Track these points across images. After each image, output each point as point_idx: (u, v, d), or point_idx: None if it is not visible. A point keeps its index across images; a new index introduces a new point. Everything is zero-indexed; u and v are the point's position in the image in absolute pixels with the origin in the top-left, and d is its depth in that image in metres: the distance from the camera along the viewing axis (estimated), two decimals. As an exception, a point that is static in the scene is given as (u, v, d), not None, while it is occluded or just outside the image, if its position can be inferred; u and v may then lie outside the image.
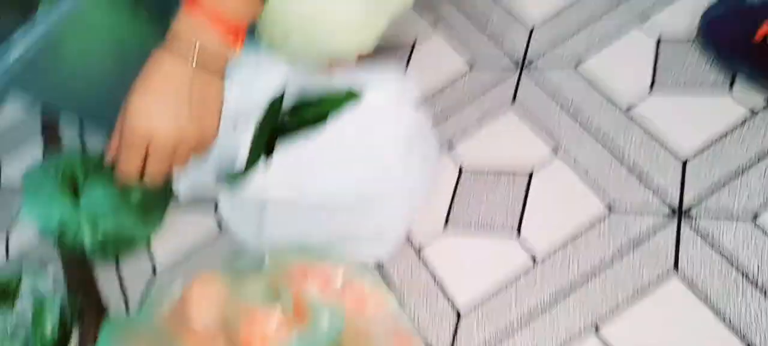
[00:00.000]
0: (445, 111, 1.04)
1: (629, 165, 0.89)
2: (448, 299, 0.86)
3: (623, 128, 0.92)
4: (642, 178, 0.88)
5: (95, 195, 0.99)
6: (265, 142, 0.91)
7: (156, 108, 0.72)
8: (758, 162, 0.83)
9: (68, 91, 0.98)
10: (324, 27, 0.91)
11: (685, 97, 0.92)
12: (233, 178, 0.85)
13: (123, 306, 1.01)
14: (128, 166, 0.74)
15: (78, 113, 1.04)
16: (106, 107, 0.84)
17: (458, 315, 0.84)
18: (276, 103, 0.91)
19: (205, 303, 0.77)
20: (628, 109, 0.94)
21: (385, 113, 0.83)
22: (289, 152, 0.81)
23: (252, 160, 0.90)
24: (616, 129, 0.93)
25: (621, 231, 0.84)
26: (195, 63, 0.73)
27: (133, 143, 0.73)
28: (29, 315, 0.91)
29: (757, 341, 0.71)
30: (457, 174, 0.97)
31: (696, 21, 0.96)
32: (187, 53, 0.72)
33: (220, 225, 1.05)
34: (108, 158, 0.77)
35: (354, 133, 0.82)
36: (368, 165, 0.82)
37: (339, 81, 0.88)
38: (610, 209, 0.86)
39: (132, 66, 0.77)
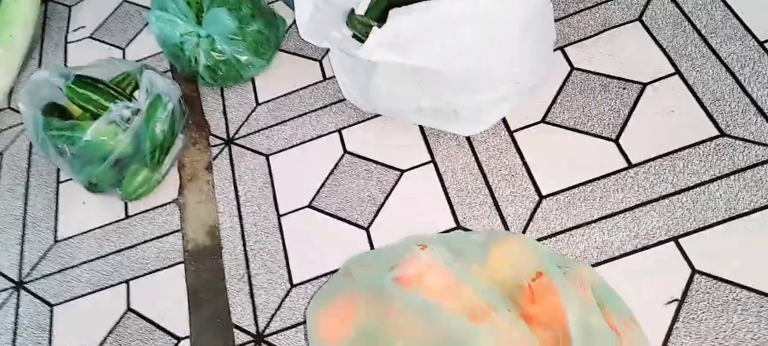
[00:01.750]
0: (569, 11, 1.02)
1: (752, 95, 0.86)
2: (532, 182, 0.87)
3: (754, 60, 0.88)
4: (763, 110, 0.84)
5: (217, 20, 1.05)
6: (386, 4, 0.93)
7: None
8: None
9: None
10: None
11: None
12: (359, 22, 0.87)
13: (224, 127, 1.10)
14: None
15: None
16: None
17: (539, 198, 0.86)
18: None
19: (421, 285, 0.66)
20: (765, 42, 0.90)
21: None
22: (406, 17, 0.82)
23: (370, 14, 0.92)
24: (746, 60, 0.89)
25: (727, 156, 0.82)
26: None
27: None
28: (145, 108, 0.99)
29: None
30: (567, 71, 0.96)
31: None
32: None
33: (324, 74, 1.11)
34: None
35: (474, 6, 0.82)
36: (483, 40, 0.83)
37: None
38: (721, 133, 0.84)
39: None
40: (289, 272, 0.90)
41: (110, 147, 0.96)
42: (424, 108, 0.91)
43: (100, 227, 1.04)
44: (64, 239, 1.05)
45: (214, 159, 1.06)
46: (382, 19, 0.90)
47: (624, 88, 0.92)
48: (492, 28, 0.83)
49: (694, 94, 0.88)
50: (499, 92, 0.89)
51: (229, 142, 1.08)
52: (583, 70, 0.96)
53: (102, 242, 1.02)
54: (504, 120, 0.94)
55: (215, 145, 1.08)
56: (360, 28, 0.83)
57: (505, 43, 0.84)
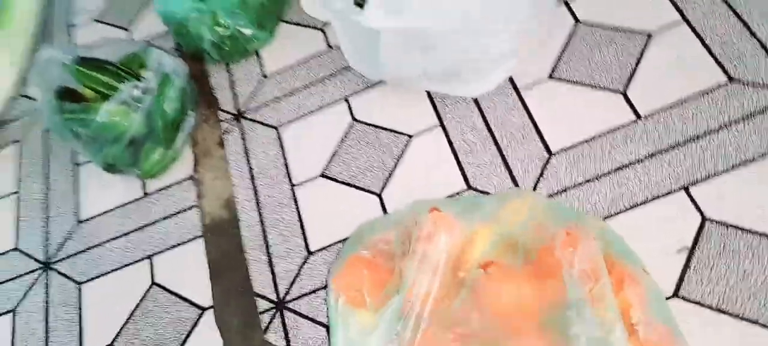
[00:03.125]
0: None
1: (760, 39, 0.85)
2: (542, 139, 0.88)
3: (763, 3, 0.87)
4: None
5: (220, -4, 1.06)
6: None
7: None
8: None
9: None
10: None
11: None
12: None
13: (232, 102, 1.11)
14: None
15: None
16: None
17: (549, 155, 0.86)
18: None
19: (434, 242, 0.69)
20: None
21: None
22: None
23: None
24: (753, 2, 0.88)
25: (737, 102, 0.81)
26: None
27: None
28: (154, 87, 1.01)
29: None
30: (572, 25, 0.95)
31: None
32: None
33: (328, 43, 1.11)
34: None
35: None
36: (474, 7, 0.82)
37: None
38: (730, 79, 0.83)
39: None
40: (305, 240, 0.92)
41: (123, 127, 0.97)
42: (429, 71, 0.91)
43: (120, 206, 1.06)
44: (87, 220, 1.08)
45: (225, 134, 1.08)
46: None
47: (630, 39, 0.91)
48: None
49: (702, 40, 0.87)
50: (502, 49, 0.88)
51: (238, 116, 1.09)
52: (588, 24, 0.95)
53: (123, 220, 1.05)
54: (510, 79, 0.94)
55: (225, 121, 1.09)
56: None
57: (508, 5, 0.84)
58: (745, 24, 0.87)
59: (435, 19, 0.83)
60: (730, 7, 0.89)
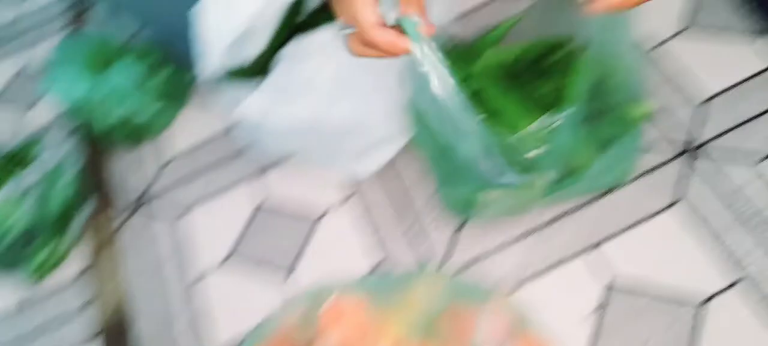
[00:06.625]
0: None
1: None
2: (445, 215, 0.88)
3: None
4: (658, 113, 0.87)
5: (121, 74, 1.01)
6: (281, 41, 0.92)
7: None
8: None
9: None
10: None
11: (711, 41, 0.91)
12: (234, 74, 0.87)
13: (132, 188, 1.04)
14: None
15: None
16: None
17: (461, 226, 0.86)
18: (295, 7, 0.92)
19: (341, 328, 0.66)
20: (655, 46, 0.93)
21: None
22: (287, 71, 0.82)
23: (267, 54, 0.91)
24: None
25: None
26: None
27: None
28: (45, 177, 0.93)
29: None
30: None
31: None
32: None
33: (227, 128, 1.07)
34: None
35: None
36: (360, 88, 0.82)
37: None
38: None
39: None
40: (211, 333, 0.86)
41: (9, 223, 0.89)
42: (315, 150, 0.90)
43: (2, 316, 0.96)
44: (-34, 332, 0.97)
45: (123, 223, 1.01)
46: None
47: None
48: (367, 75, 0.81)
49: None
50: (381, 132, 0.88)
51: (138, 203, 1.02)
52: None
53: (6, 329, 0.94)
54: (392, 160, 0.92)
55: (124, 209, 1.02)
56: (243, 76, 0.83)
57: (390, 87, 0.82)
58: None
59: (318, 108, 0.82)
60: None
